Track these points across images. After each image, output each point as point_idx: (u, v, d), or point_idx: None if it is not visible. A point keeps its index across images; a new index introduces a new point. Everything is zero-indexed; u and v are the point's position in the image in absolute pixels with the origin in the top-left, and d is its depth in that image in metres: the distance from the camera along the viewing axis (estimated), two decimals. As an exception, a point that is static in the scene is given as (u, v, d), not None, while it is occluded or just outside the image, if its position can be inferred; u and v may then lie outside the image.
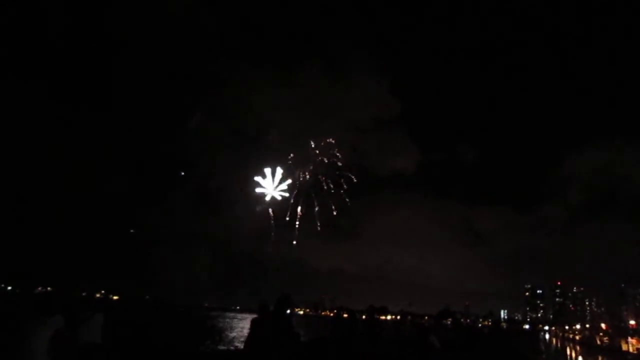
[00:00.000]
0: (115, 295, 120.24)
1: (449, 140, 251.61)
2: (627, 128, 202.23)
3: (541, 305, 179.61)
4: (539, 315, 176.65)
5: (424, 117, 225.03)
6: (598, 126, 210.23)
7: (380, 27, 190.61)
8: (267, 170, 40.90)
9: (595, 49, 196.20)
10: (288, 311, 6.18)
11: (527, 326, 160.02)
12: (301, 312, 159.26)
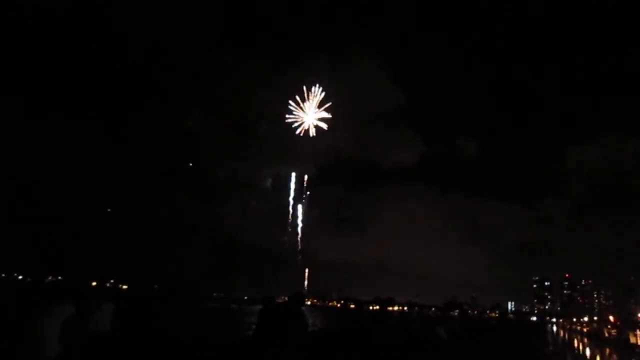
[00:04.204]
0: (125, 284, 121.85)
1: (452, 132, 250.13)
2: (631, 119, 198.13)
3: (549, 297, 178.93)
4: (547, 307, 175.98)
5: (426, 109, 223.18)
6: (602, 118, 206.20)
7: (382, 18, 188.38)
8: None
9: (598, 40, 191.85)
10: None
11: (534, 318, 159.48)
12: (308, 303, 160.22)
